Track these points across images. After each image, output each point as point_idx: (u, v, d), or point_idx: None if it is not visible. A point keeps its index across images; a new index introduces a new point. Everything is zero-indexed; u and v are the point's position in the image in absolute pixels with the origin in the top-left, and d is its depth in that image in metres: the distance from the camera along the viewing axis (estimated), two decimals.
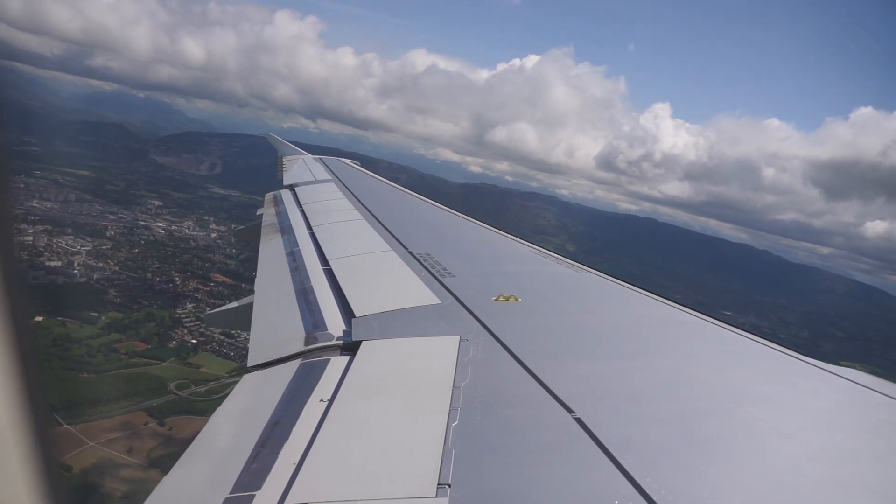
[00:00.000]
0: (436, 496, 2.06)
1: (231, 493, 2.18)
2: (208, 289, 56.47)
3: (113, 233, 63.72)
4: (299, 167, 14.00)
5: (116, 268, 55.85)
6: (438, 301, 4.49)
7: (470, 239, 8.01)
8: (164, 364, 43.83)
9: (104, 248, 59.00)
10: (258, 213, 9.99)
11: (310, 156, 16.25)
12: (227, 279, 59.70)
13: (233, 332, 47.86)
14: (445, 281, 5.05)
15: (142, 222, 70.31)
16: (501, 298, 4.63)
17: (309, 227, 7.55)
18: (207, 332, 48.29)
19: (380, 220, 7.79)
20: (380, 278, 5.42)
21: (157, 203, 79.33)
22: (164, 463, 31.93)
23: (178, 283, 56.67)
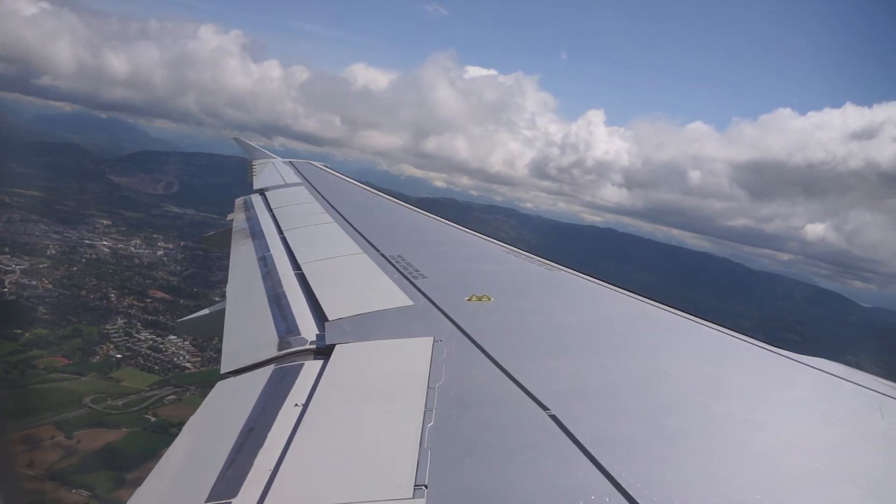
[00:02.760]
0: (413, 497, 2.06)
1: (206, 501, 2.16)
2: (143, 305, 56.81)
3: (54, 251, 63.87)
4: (269, 171, 13.90)
5: (50, 286, 55.97)
6: (411, 303, 4.49)
7: (442, 240, 8.02)
8: (83, 379, 43.77)
9: (41, 266, 59.09)
10: (228, 218, 9.91)
11: (279, 159, 16.15)
12: (167, 295, 60.17)
13: (160, 346, 48.51)
14: (418, 282, 5.05)
15: (87, 241, 70.19)
16: (474, 298, 4.65)
17: (280, 232, 7.50)
18: (134, 347, 48.68)
19: (351, 223, 7.77)
20: (352, 281, 5.41)
21: (105, 222, 79.27)
22: (63, 476, 31.85)
23: (113, 299, 56.86)
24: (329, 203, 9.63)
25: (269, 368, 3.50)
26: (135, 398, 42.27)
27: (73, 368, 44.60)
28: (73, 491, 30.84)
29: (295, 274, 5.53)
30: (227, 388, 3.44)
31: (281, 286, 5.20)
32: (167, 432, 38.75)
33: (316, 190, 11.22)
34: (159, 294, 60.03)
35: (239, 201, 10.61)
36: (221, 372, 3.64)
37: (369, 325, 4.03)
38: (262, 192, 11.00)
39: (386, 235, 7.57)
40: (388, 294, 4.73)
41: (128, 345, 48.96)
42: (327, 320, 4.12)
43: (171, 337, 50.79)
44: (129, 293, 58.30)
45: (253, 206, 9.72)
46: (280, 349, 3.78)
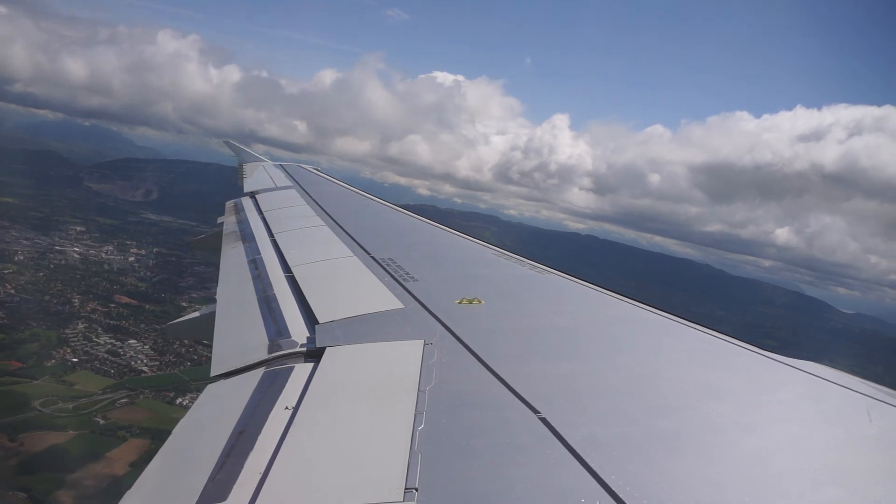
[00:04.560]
0: (403, 500, 2.06)
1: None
2: (107, 310, 57.45)
3: (22, 258, 63.79)
4: (259, 174, 13.87)
5: (13, 291, 56.05)
6: (402, 305, 4.49)
7: (433, 243, 8.02)
8: (35, 382, 43.91)
9: (6, 272, 59.59)
10: (219, 220, 9.88)
11: (270, 162, 16.11)
12: (132, 300, 61.00)
13: (119, 350, 48.89)
14: (408, 285, 5.05)
15: (57, 247, 70.32)
16: (465, 301, 4.65)
17: (271, 235, 7.49)
18: (92, 352, 49.03)
19: (342, 226, 7.77)
20: (342, 284, 5.40)
21: (78, 229, 79.60)
22: (1, 478, 32.10)
23: (76, 304, 57.26)
24: (320, 206, 9.62)
25: (260, 371, 3.50)
26: (86, 401, 42.46)
27: (25, 372, 44.68)
28: (10, 493, 30.82)
29: (285, 277, 5.53)
30: (217, 391, 3.43)
31: (271, 289, 5.19)
32: (115, 435, 39.04)
33: (307, 193, 11.20)
34: (125, 299, 60.64)
35: (229, 204, 10.58)
36: (211, 374, 3.63)
37: (360, 328, 4.02)
38: (252, 195, 10.97)
39: (377, 238, 7.56)
40: (378, 297, 4.73)
41: (86, 349, 49.24)
42: (318, 323, 4.12)
43: (132, 341, 50.86)
44: (94, 298, 58.60)
45: (243, 209, 9.70)
46: (270, 352, 3.77)
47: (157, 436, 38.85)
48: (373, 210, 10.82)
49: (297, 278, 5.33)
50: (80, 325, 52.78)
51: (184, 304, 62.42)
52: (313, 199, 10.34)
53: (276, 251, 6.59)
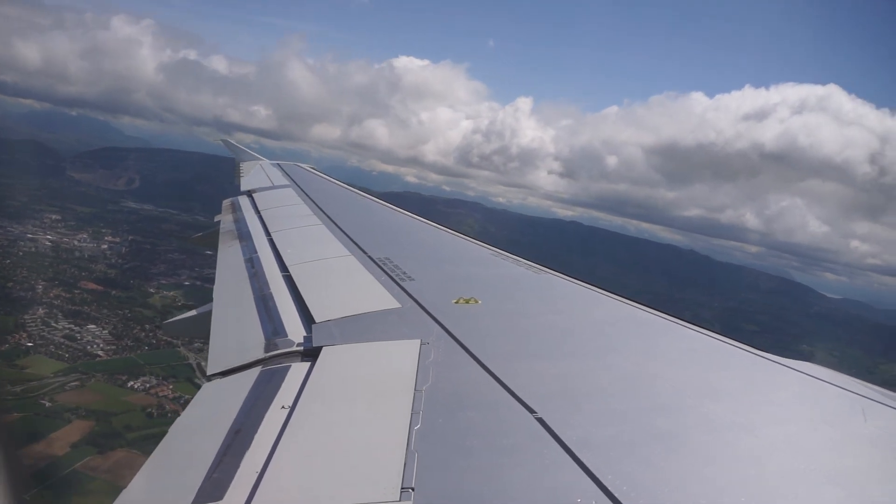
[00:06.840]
0: (400, 500, 2.06)
1: (192, 503, 2.16)
2: (70, 296, 57.11)
3: None
4: (256, 172, 13.85)
5: None
6: (399, 305, 4.49)
7: (429, 242, 8.02)
8: None
9: None
10: (216, 219, 9.87)
11: (267, 161, 16.09)
12: (98, 286, 60.62)
13: (76, 335, 48.76)
14: (405, 285, 5.05)
15: (30, 235, 69.89)
16: (461, 301, 4.65)
17: (267, 233, 7.49)
18: (48, 336, 48.69)
19: (339, 225, 7.76)
20: (339, 283, 5.40)
21: (54, 217, 79.08)
22: None
23: (39, 290, 57.00)
24: (317, 205, 9.61)
25: (256, 370, 3.49)
26: (36, 384, 42.22)
27: None
28: None
29: (282, 276, 5.53)
30: (213, 390, 3.43)
31: (268, 288, 5.19)
32: (60, 416, 38.95)
33: (304, 192, 11.20)
34: (91, 285, 60.40)
35: (226, 202, 10.57)
36: (208, 373, 3.63)
37: (356, 328, 4.03)
38: (249, 193, 10.96)
39: (373, 237, 7.56)
40: (375, 296, 4.73)
41: (42, 334, 49.05)
42: (314, 322, 4.11)
43: (91, 326, 50.77)
44: (59, 284, 58.50)
45: (240, 208, 9.69)
46: (267, 351, 3.77)
47: (104, 418, 38.96)
48: (370, 209, 10.82)
49: (294, 277, 5.33)
50: (41, 311, 52.51)
51: (151, 290, 62.79)
52: (310, 198, 10.34)
53: (272, 250, 6.58)
